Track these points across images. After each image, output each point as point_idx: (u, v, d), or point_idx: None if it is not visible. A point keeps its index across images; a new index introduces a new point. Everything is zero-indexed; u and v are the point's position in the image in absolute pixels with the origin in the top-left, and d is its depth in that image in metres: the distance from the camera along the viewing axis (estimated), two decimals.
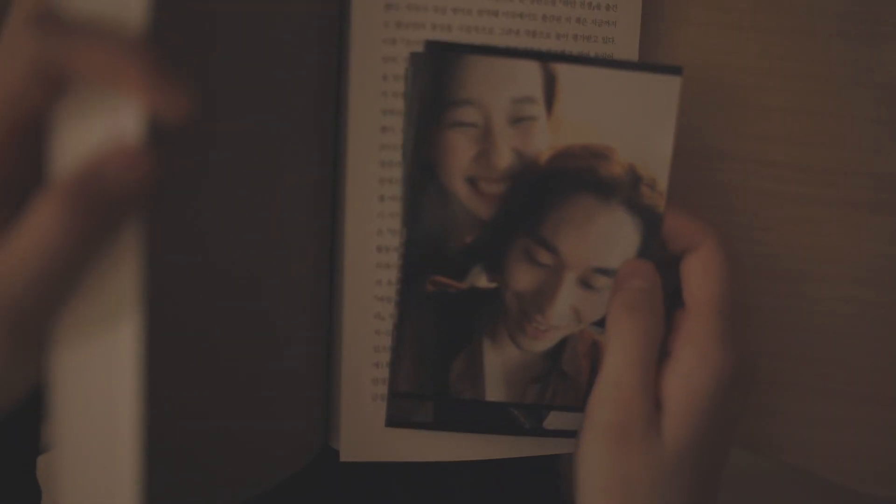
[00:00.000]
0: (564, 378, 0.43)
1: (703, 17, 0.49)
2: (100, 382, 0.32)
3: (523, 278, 0.42)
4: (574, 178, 0.41)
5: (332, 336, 0.46)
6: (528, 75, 0.40)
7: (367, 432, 0.45)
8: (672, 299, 0.41)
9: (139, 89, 0.30)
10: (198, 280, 0.36)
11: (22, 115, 0.31)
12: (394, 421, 0.43)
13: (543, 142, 0.41)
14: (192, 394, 0.37)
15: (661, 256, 0.42)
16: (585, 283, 0.42)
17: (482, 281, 0.42)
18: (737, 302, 0.40)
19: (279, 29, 0.39)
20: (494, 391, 0.43)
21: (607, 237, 0.41)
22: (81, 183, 0.30)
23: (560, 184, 0.41)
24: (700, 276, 0.40)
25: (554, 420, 0.43)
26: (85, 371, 0.32)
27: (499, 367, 0.43)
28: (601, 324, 0.42)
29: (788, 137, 0.49)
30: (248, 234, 0.39)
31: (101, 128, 0.31)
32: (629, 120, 0.41)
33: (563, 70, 0.40)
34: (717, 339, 0.39)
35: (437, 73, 0.40)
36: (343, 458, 0.45)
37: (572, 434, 0.43)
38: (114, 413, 0.32)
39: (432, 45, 0.40)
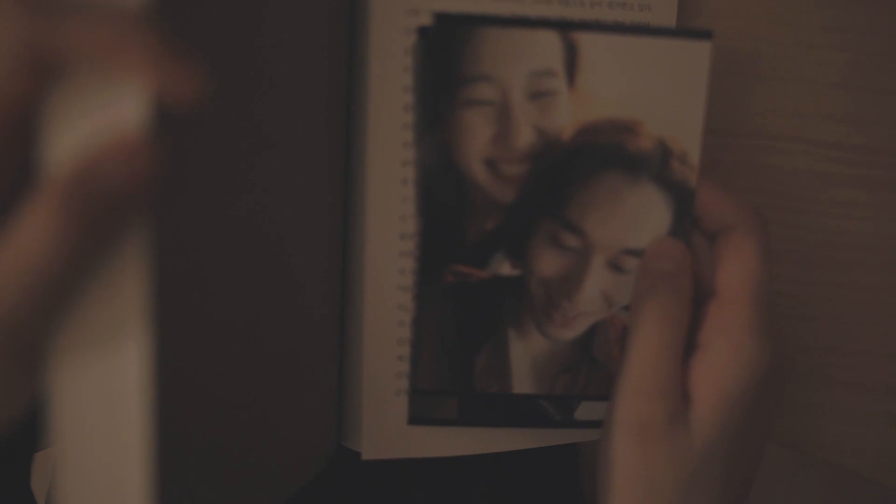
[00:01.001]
0: (596, 366, 0.40)
1: None
2: (105, 402, 0.29)
3: (549, 264, 0.39)
4: (600, 154, 0.38)
5: (346, 329, 0.43)
6: (547, 46, 0.37)
7: (389, 429, 0.43)
8: (708, 280, 0.39)
9: (143, 67, 0.26)
10: (209, 283, 0.34)
11: (8, 107, 0.28)
12: (417, 419, 0.41)
13: (566, 117, 0.38)
14: (204, 409, 0.34)
15: (695, 234, 0.39)
16: (615, 266, 0.39)
17: (505, 268, 0.39)
18: (771, 290, 0.37)
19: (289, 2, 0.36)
20: (522, 384, 0.40)
21: (636, 216, 0.39)
22: (77, 182, 0.27)
23: (585, 162, 0.38)
24: (734, 260, 0.37)
25: (586, 410, 0.41)
26: (88, 391, 0.29)
27: (526, 358, 0.40)
28: None
29: (835, 115, 0.46)
30: (260, 227, 0.36)
31: (99, 118, 0.27)
32: (657, 90, 0.38)
33: (584, 39, 0.37)
34: (752, 329, 0.36)
35: (448, 47, 0.37)
36: (365, 456, 0.43)
37: None
38: (120, 435, 0.29)
39: (441, 18, 0.37)
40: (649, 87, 0.38)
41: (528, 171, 0.38)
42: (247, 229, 0.36)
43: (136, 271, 0.28)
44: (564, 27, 0.37)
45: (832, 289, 0.47)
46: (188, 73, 0.26)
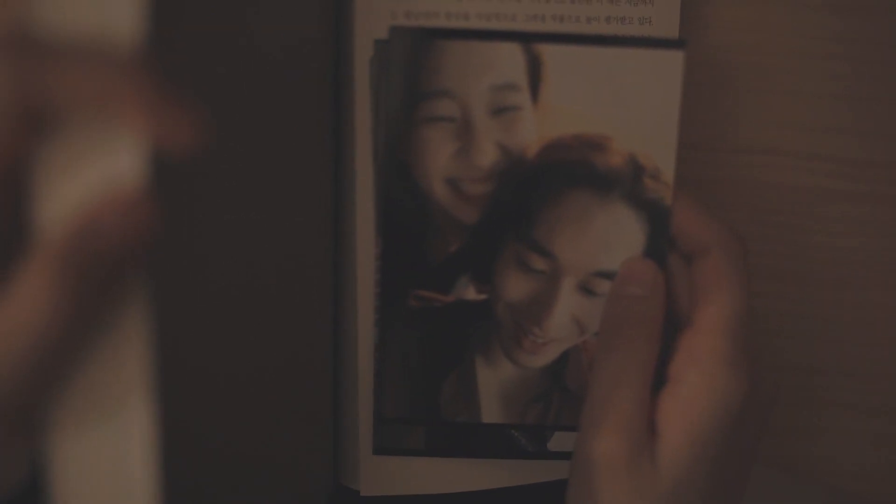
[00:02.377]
0: (568, 395, 0.38)
1: None
2: (107, 470, 0.27)
3: (516, 287, 0.37)
4: (567, 172, 0.36)
5: (340, 366, 0.42)
6: (509, 59, 0.36)
7: (388, 463, 0.41)
8: (685, 305, 0.36)
9: (139, 115, 0.24)
10: (211, 338, 0.32)
11: None
12: (382, 448, 0.39)
13: (530, 134, 0.36)
14: (208, 464, 0.33)
15: (671, 255, 0.37)
16: (586, 289, 0.37)
17: (470, 293, 0.37)
18: (749, 318, 0.35)
19: (278, 27, 0.35)
20: (491, 413, 0.38)
21: (608, 237, 0.37)
22: (73, 243, 0.24)
23: (552, 180, 0.36)
24: (709, 287, 0.35)
25: (559, 441, 0.39)
26: (90, 458, 0.27)
27: (494, 386, 0.38)
28: None
29: (831, 128, 0.43)
30: (258, 273, 0.35)
31: (94, 171, 0.25)
32: (627, 104, 0.36)
33: (548, 51, 0.35)
34: (726, 361, 0.34)
35: (406, 62, 0.35)
36: (364, 492, 0.41)
37: None
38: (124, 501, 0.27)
39: (398, 31, 0.35)
40: (619, 100, 0.36)
41: (492, 190, 0.37)
42: (245, 277, 0.34)
43: (137, 333, 0.26)
44: (527, 38, 0.35)
45: (826, 307, 0.44)
46: (186, 118, 0.24)
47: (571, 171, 0.36)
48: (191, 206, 0.30)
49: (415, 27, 0.35)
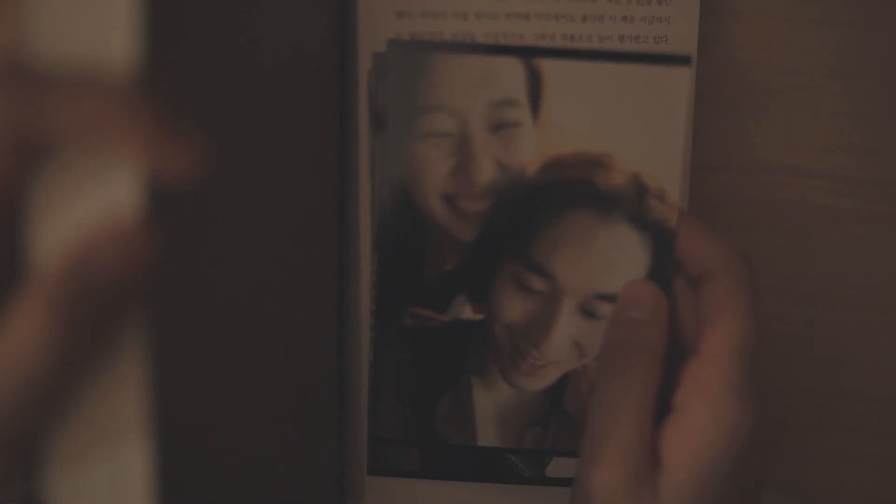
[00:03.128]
0: (567, 419, 0.37)
1: (779, 11, 0.42)
2: None
3: (514, 308, 0.36)
4: (567, 190, 0.35)
5: (345, 386, 0.42)
6: (509, 74, 0.35)
7: (392, 485, 0.40)
8: (690, 331, 0.35)
9: (136, 145, 0.23)
10: (212, 370, 0.31)
11: None
12: (376, 469, 0.38)
13: (530, 150, 0.35)
14: (209, 497, 0.32)
15: (676, 279, 0.35)
16: (587, 312, 0.36)
17: (467, 312, 0.36)
18: (756, 345, 0.33)
19: (279, 44, 0.34)
20: (487, 435, 0.37)
21: (610, 258, 0.35)
22: (70, 276, 0.24)
23: (552, 198, 0.35)
24: (714, 313, 0.33)
25: (557, 467, 0.38)
26: (87, 498, 0.26)
27: (491, 408, 0.37)
28: None
29: (850, 147, 0.42)
30: (259, 290, 0.34)
31: (90, 202, 0.24)
32: (630, 122, 0.35)
33: (549, 66, 0.34)
34: (732, 391, 0.32)
35: (404, 76, 0.35)
36: None
37: None
38: None
39: (395, 45, 0.35)
40: (622, 118, 0.35)
41: (490, 207, 0.36)
42: (248, 303, 0.33)
43: (135, 366, 0.25)
44: (527, 53, 0.34)
45: (843, 330, 0.42)
46: (184, 147, 0.24)
47: (572, 189, 0.35)
48: (190, 235, 0.29)
49: (412, 41, 0.35)
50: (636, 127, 0.35)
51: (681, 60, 0.34)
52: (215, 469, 0.32)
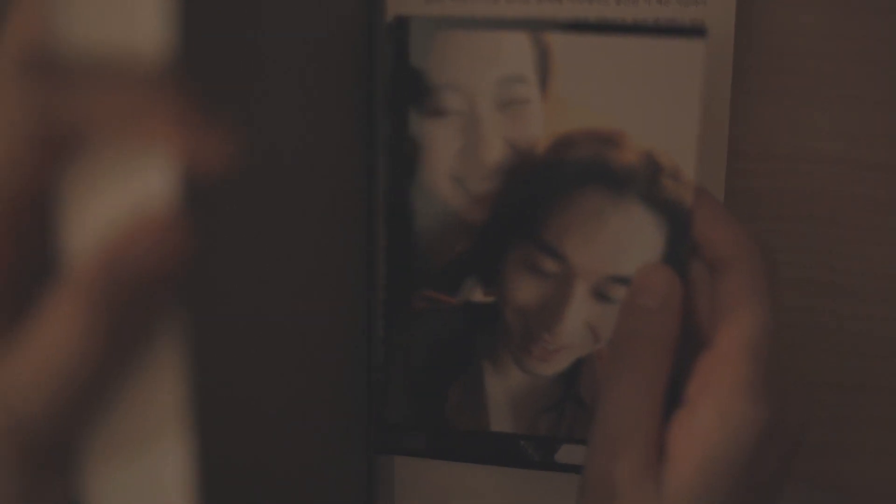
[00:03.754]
0: (582, 406, 0.36)
1: None
2: None
3: (525, 291, 0.35)
4: (579, 169, 0.34)
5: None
6: (517, 50, 0.34)
7: (424, 482, 0.39)
8: (706, 320, 0.34)
9: (169, 135, 0.23)
10: (248, 366, 0.30)
11: (22, 188, 0.24)
12: (380, 448, 0.38)
13: (539, 128, 0.34)
14: (245, 494, 0.31)
15: (694, 263, 0.34)
16: (600, 295, 0.35)
17: (477, 295, 0.36)
18: (775, 340, 0.32)
19: (308, 30, 0.33)
20: (500, 421, 0.37)
21: (624, 239, 0.34)
22: (104, 270, 0.23)
23: (562, 178, 0.34)
24: (730, 305, 0.32)
25: (567, 453, 0.37)
26: (125, 496, 0.26)
27: (503, 394, 0.36)
28: None
29: (889, 136, 0.40)
30: (291, 282, 0.33)
31: (124, 195, 0.23)
32: (642, 97, 0.33)
33: (557, 41, 0.33)
34: (745, 390, 0.31)
35: (411, 53, 0.34)
36: None
37: None
38: None
39: (401, 21, 0.34)
40: (634, 93, 0.33)
41: (500, 188, 0.35)
42: (281, 297, 0.33)
43: (172, 361, 0.24)
44: (535, 27, 0.33)
45: (875, 322, 0.40)
46: (219, 137, 0.23)
47: (583, 168, 0.34)
48: (225, 227, 0.28)
49: (419, 17, 0.34)
50: (649, 103, 0.33)
51: (695, 32, 0.33)
52: (250, 462, 0.31)
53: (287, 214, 0.32)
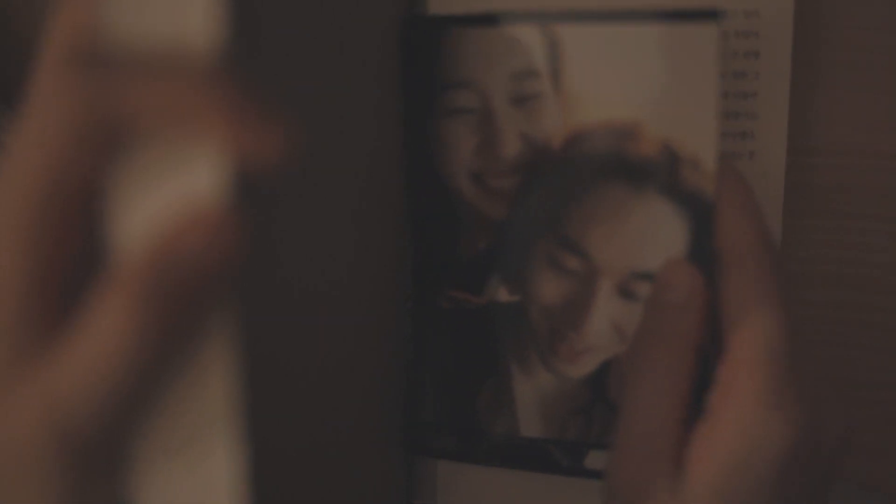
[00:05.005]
0: (611, 409, 0.35)
1: None
2: None
3: (549, 289, 0.35)
4: (596, 163, 0.33)
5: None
6: (528, 44, 0.33)
7: (464, 482, 0.39)
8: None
9: (221, 128, 0.22)
10: (298, 368, 0.30)
11: (71, 182, 0.23)
12: (413, 448, 0.38)
13: (555, 122, 0.33)
14: (294, 492, 0.31)
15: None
16: (626, 292, 0.34)
17: (502, 294, 0.35)
18: (796, 343, 0.29)
19: (351, 26, 0.33)
20: (530, 425, 0.36)
21: (646, 234, 0.33)
22: (153, 267, 0.22)
23: (581, 172, 0.33)
24: (746, 310, 0.29)
25: (597, 458, 0.35)
26: (175, 495, 0.25)
27: (533, 397, 0.36)
28: None
29: None
30: (339, 279, 0.33)
31: (174, 190, 0.23)
32: (658, 86, 0.32)
33: (566, 32, 0.33)
34: (766, 400, 0.28)
35: (425, 53, 0.34)
36: None
37: None
38: None
39: (412, 21, 0.34)
40: (648, 82, 0.32)
41: (519, 184, 0.34)
42: (328, 294, 0.32)
43: (223, 359, 0.24)
44: (543, 20, 0.33)
45: None
46: (273, 131, 0.22)
47: (601, 162, 0.33)
48: (276, 223, 0.27)
49: (428, 16, 0.34)
50: (665, 92, 0.32)
51: (708, 15, 0.31)
52: (296, 461, 0.31)
53: (332, 211, 0.32)
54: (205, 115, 0.22)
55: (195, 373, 0.24)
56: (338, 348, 0.33)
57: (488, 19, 0.33)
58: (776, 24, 0.36)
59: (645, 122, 0.32)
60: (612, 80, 0.32)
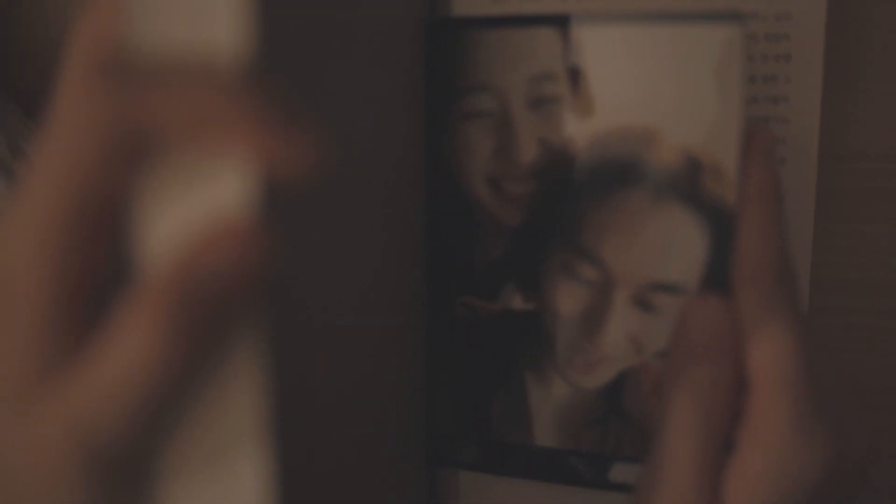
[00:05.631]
0: (627, 421, 0.34)
1: None
2: None
3: (565, 298, 0.34)
4: (613, 170, 0.32)
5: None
6: (545, 46, 0.32)
7: (489, 492, 0.39)
8: None
9: (248, 139, 0.21)
10: (323, 372, 0.29)
11: (96, 194, 0.23)
12: (435, 460, 0.37)
13: (572, 127, 0.32)
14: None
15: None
16: (642, 303, 0.33)
17: (517, 302, 0.35)
18: (817, 364, 0.28)
19: (375, 35, 0.32)
20: (545, 435, 0.35)
21: (664, 244, 0.32)
22: (179, 281, 0.22)
23: (597, 178, 0.32)
24: (762, 334, 0.28)
25: (620, 472, 0.34)
26: None
27: (547, 406, 0.35)
28: None
29: None
30: (363, 291, 0.32)
31: (201, 202, 0.22)
32: (678, 91, 0.31)
33: (585, 34, 0.32)
34: (793, 427, 0.27)
35: (444, 56, 0.34)
36: None
37: None
38: None
39: (431, 24, 0.34)
40: (668, 87, 0.31)
41: (535, 190, 0.33)
42: (354, 306, 0.32)
43: (250, 373, 0.23)
44: (561, 22, 0.32)
45: None
46: (301, 140, 0.21)
47: (619, 169, 0.32)
48: (304, 234, 0.27)
49: (449, 18, 0.33)
50: (685, 97, 0.31)
51: (730, 17, 0.30)
52: (322, 473, 0.30)
53: (357, 219, 0.31)
54: (232, 124, 0.21)
55: (221, 387, 0.23)
56: (361, 359, 0.33)
57: (506, 21, 0.33)
58: (808, 26, 0.34)
59: (665, 129, 0.31)
60: (632, 85, 0.31)
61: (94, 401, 0.22)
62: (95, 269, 0.23)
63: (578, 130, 0.32)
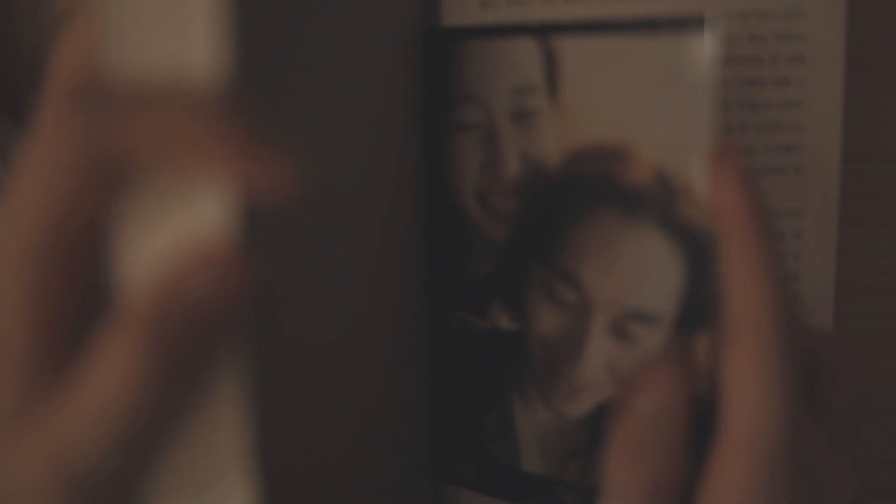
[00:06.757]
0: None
1: None
2: None
3: (546, 320, 0.32)
4: (589, 187, 0.30)
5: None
6: (525, 57, 0.31)
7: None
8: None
9: (229, 163, 0.21)
10: (309, 400, 0.29)
11: (72, 223, 0.22)
12: (438, 474, 0.37)
13: (551, 141, 0.31)
14: None
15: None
16: (619, 332, 0.30)
17: (504, 321, 0.33)
18: (796, 430, 0.25)
19: (366, 50, 0.32)
20: (531, 460, 0.34)
21: (639, 269, 0.30)
22: (160, 308, 0.21)
23: (575, 196, 0.31)
24: (735, 389, 0.25)
25: None
26: None
27: (532, 431, 0.33)
28: None
29: None
30: (353, 315, 0.32)
31: (180, 227, 0.22)
32: (651, 103, 0.29)
33: (563, 45, 0.30)
34: (758, 497, 0.24)
35: (437, 65, 0.33)
36: None
37: None
38: None
39: (426, 34, 0.33)
40: (641, 99, 0.29)
41: (517, 206, 0.32)
42: (343, 330, 0.31)
43: (233, 401, 0.23)
44: (541, 32, 0.30)
45: None
46: (283, 162, 0.21)
47: (594, 187, 0.30)
48: (287, 258, 0.26)
49: (441, 28, 0.33)
50: (657, 109, 0.28)
51: (693, 24, 0.27)
52: (313, 497, 0.30)
53: (353, 237, 0.31)
54: (210, 147, 0.21)
55: (205, 412, 0.23)
56: (355, 378, 0.32)
57: (490, 31, 0.32)
58: (825, 24, 0.30)
59: (637, 144, 0.29)
60: (608, 97, 0.29)
61: (75, 429, 0.22)
62: (75, 295, 0.23)
63: (557, 144, 0.31)
